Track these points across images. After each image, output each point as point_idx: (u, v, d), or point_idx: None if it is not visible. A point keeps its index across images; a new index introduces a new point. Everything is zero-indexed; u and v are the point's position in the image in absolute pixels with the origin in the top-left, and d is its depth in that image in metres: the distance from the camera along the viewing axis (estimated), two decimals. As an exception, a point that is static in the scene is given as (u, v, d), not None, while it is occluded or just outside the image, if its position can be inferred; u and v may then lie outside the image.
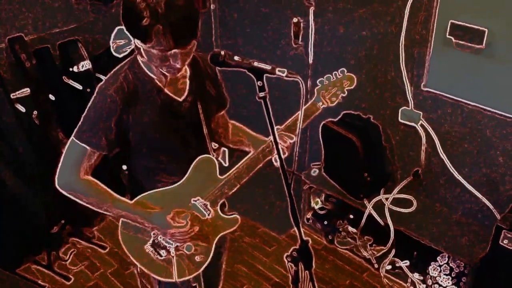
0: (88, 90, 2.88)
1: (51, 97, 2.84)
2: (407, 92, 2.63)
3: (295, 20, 2.98)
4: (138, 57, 1.53)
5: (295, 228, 1.48)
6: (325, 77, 1.75)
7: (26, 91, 2.73)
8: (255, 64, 1.37)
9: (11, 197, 2.74)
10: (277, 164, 1.59)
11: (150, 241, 1.67)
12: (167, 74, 1.50)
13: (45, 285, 2.83)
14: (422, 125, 2.65)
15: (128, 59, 1.57)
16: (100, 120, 1.50)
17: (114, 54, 2.45)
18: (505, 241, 2.13)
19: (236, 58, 1.39)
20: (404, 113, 2.69)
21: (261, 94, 1.37)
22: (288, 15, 3.03)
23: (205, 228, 1.68)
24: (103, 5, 3.03)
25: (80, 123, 1.53)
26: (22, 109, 2.72)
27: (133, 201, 1.63)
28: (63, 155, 1.55)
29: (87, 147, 1.52)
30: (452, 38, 2.33)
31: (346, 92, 1.78)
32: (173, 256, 1.66)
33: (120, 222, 1.67)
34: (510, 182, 2.47)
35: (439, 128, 2.61)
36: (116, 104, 1.49)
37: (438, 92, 2.54)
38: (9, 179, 2.73)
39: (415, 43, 2.53)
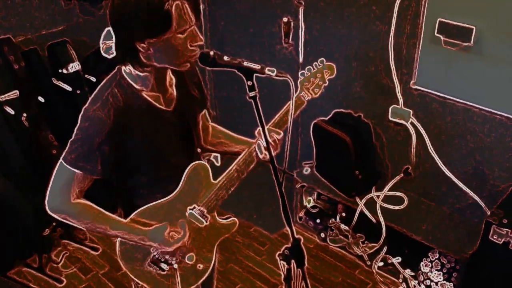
0: (78, 91, 2.86)
1: (40, 99, 2.82)
2: (396, 90, 2.65)
3: (285, 19, 2.99)
4: (125, 73, 1.46)
5: (287, 227, 1.48)
6: (306, 68, 1.76)
7: (15, 93, 2.70)
8: (245, 63, 1.37)
9: (1, 199, 2.71)
10: (262, 156, 1.60)
11: (151, 257, 1.62)
12: (188, 63, 1.41)
13: (37, 288, 2.82)
14: (412, 123, 2.67)
15: (110, 76, 1.49)
16: (93, 143, 1.41)
17: (104, 55, 2.44)
18: (495, 236, 2.15)
19: (225, 58, 1.39)
20: (394, 111, 2.71)
21: (251, 94, 1.36)
22: (278, 14, 3.03)
23: (205, 235, 1.66)
24: (92, 6, 3.01)
25: (69, 146, 1.44)
26: (11, 111, 2.69)
27: (128, 219, 1.57)
28: (52, 178, 1.47)
29: (80, 172, 1.44)
30: (441, 36, 2.35)
31: (327, 82, 1.79)
32: (175, 269, 1.62)
33: (118, 242, 1.61)
34: (499, 177, 2.50)
35: (429, 126, 2.63)
36: (107, 124, 1.40)
37: (427, 90, 2.56)
38: (-1, 182, 2.71)
39: (404, 42, 2.54)
